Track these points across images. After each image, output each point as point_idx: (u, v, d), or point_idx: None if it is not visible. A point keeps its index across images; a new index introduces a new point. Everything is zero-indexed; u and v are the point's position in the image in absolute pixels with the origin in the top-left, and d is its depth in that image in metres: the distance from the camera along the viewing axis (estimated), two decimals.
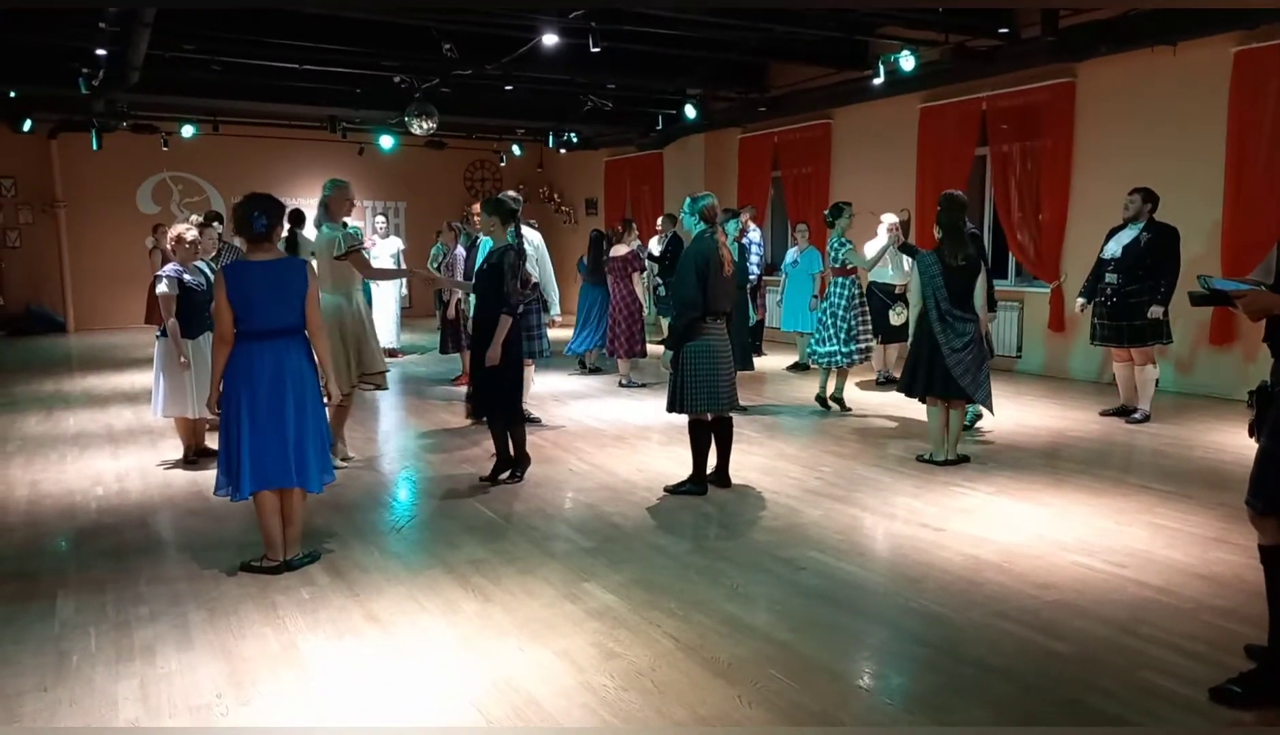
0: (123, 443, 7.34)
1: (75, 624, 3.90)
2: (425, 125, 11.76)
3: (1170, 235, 7.32)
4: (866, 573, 4.43)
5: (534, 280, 7.67)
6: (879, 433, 7.49)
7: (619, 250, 9.86)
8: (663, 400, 6.76)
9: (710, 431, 5.80)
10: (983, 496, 5.64)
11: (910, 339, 6.35)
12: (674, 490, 5.79)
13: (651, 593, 4.18)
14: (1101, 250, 7.69)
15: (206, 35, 9.64)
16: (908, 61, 9.35)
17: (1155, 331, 7.42)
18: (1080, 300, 7.90)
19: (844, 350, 8.13)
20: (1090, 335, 7.86)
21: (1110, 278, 7.47)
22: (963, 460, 6.34)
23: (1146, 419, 7.60)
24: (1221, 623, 3.80)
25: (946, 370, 6.09)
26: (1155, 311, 7.31)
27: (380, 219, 12.67)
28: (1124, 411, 7.79)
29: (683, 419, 5.86)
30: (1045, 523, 5.13)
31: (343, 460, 6.40)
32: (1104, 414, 7.92)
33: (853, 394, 9.29)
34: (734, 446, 5.99)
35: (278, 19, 9.48)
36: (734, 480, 5.97)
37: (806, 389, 9.58)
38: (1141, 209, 7.39)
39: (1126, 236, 7.46)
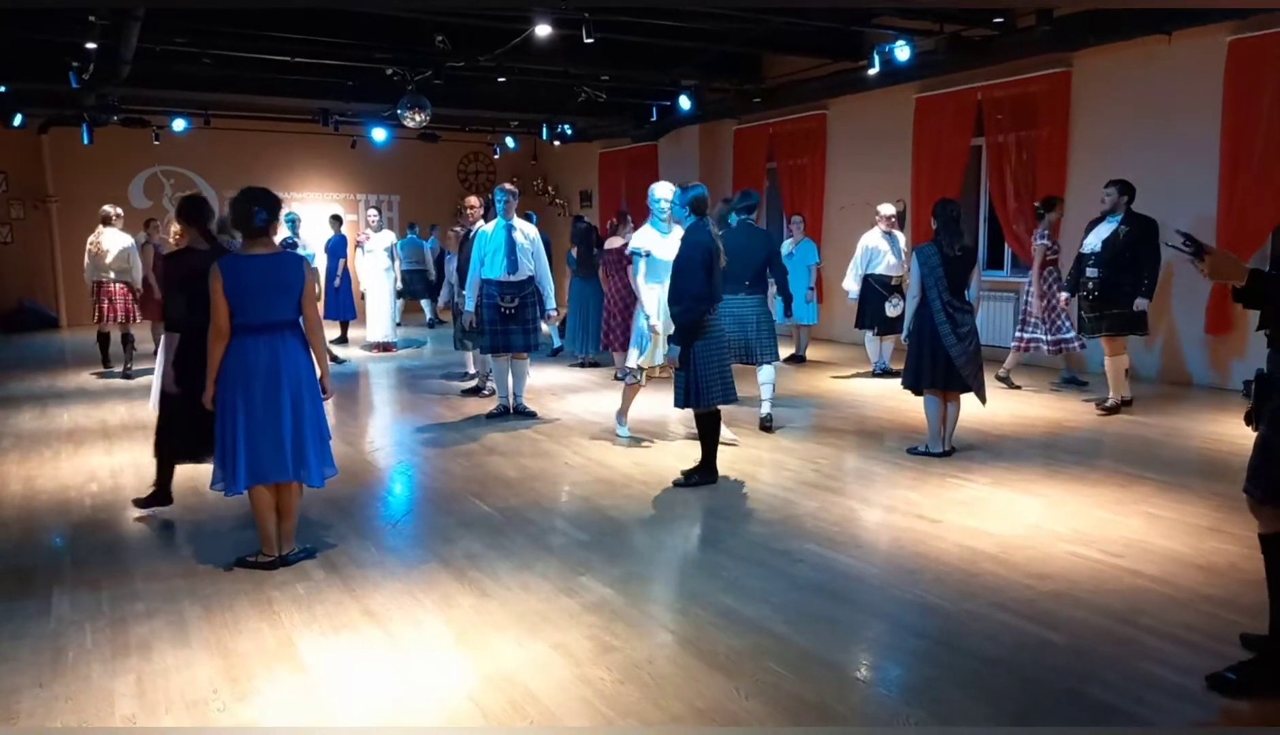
0: (117, 438, 7.31)
1: (71, 620, 3.89)
2: (418, 118, 11.70)
3: (1149, 227, 7.26)
4: (863, 565, 4.43)
5: (530, 273, 7.65)
6: (875, 425, 7.49)
7: (614, 242, 9.84)
8: (659, 394, 6.76)
9: (718, 421, 5.82)
10: (979, 488, 5.65)
11: (906, 333, 6.33)
12: (685, 483, 5.77)
13: (648, 586, 4.18)
14: (1081, 244, 7.66)
15: (197, 29, 9.59)
16: (903, 52, 9.32)
17: (1132, 323, 7.39)
18: (1063, 295, 7.94)
19: (1046, 338, 8.46)
20: (1079, 328, 7.86)
21: (1091, 272, 7.43)
22: (951, 452, 6.36)
23: (1118, 408, 7.55)
24: (1218, 612, 3.81)
25: (948, 362, 6.09)
26: (1141, 304, 7.27)
27: (373, 212, 12.63)
28: (1124, 403, 7.71)
29: (673, 413, 5.84)
30: (1042, 513, 5.13)
31: (622, 436, 6.95)
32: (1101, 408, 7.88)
33: (849, 386, 9.30)
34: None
35: (269, 11, 9.43)
36: (730, 473, 5.97)
37: (803, 381, 9.58)
38: (1118, 201, 7.34)
39: (1105, 230, 7.40)
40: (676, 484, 5.78)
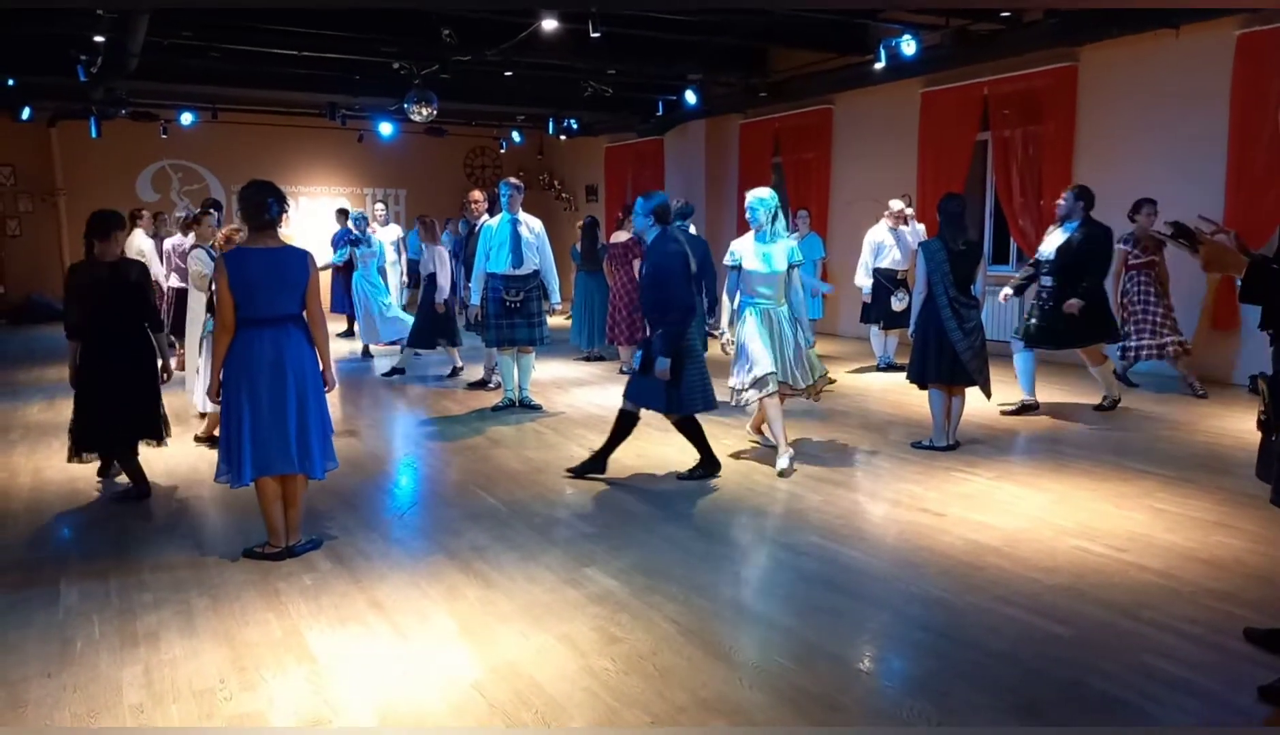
0: None
1: (79, 611, 3.91)
2: (424, 112, 11.72)
3: (1101, 234, 7.03)
4: (868, 558, 4.44)
5: (535, 267, 7.67)
6: (880, 419, 7.49)
7: (619, 236, 9.84)
8: None
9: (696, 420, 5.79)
10: (984, 481, 5.65)
11: (913, 327, 6.34)
12: (689, 477, 5.77)
13: (653, 577, 4.19)
14: (1038, 249, 7.37)
15: (205, 22, 9.61)
16: (909, 46, 9.31)
17: (1102, 330, 7.15)
18: (1006, 290, 7.50)
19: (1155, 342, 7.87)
20: (1024, 335, 7.29)
21: (1045, 281, 7.14)
22: (956, 446, 6.36)
23: (1116, 403, 7.47)
24: (1221, 606, 3.80)
25: (954, 356, 6.09)
26: (1071, 305, 6.93)
27: (380, 206, 12.66)
28: (1025, 408, 7.41)
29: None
30: (1046, 507, 5.13)
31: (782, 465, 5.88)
32: (1006, 412, 7.41)
33: (854, 380, 9.29)
34: (734, 431, 5.99)
35: (276, 5, 9.45)
36: (735, 466, 5.99)
37: None
38: (1074, 208, 7.05)
39: (1060, 237, 7.13)
40: (680, 478, 5.79)
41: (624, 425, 5.78)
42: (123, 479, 5.69)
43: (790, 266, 6.00)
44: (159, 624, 3.77)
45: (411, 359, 10.06)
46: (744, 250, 5.99)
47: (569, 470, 5.91)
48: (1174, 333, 7.82)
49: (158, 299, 10.53)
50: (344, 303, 13.30)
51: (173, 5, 8.70)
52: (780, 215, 6.03)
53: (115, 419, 5.40)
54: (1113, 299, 7.87)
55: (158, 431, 5.61)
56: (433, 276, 9.25)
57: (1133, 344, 7.92)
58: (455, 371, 9.73)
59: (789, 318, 6.04)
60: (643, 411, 5.76)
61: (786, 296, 6.04)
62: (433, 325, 9.39)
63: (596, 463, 5.86)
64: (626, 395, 5.75)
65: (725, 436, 6.78)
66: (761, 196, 5.97)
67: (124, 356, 5.37)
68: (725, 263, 6.07)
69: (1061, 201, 7.20)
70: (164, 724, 3.04)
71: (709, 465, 5.80)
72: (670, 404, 5.61)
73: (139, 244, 10.40)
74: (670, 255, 5.45)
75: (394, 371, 9.66)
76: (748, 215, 5.98)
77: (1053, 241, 7.20)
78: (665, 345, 5.42)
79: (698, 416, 5.78)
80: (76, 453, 5.48)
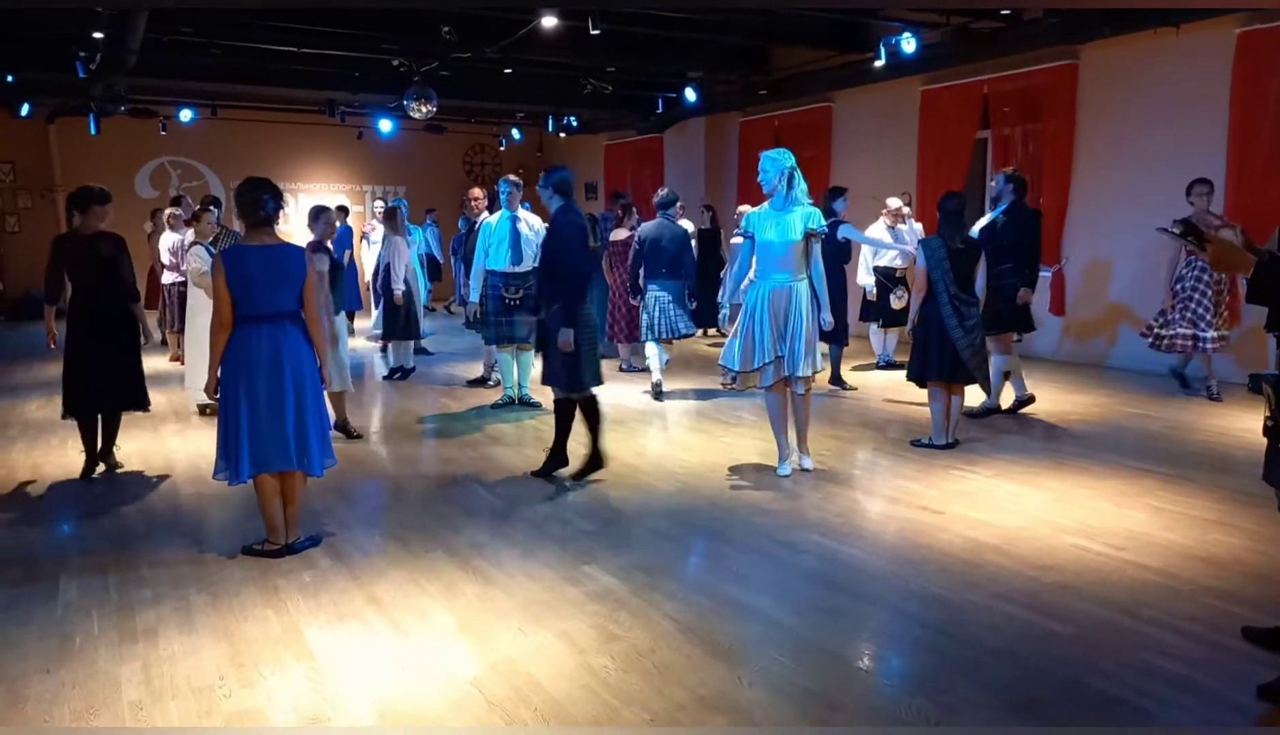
0: (123, 427, 7.30)
1: (78, 607, 3.91)
2: (424, 109, 11.72)
3: (1027, 217, 6.98)
4: (867, 556, 4.44)
5: (535, 264, 7.67)
6: (879, 416, 7.49)
7: (619, 234, 9.83)
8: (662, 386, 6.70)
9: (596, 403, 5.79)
10: (983, 479, 5.65)
11: (912, 325, 6.33)
12: (582, 475, 5.73)
13: (652, 575, 4.19)
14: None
15: (204, 19, 9.61)
16: (909, 44, 9.30)
17: (1017, 319, 7.09)
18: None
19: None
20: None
21: None
22: (955, 444, 6.36)
23: (989, 412, 7.19)
24: (1220, 604, 3.81)
25: (955, 354, 6.09)
26: (1024, 295, 6.94)
27: (379, 203, 12.65)
28: (1021, 404, 7.30)
29: (676, 404, 5.80)
30: (1045, 505, 5.13)
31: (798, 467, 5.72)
32: (1004, 411, 7.28)
33: (853, 378, 9.29)
34: (734, 429, 5.98)
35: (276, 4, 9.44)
36: (733, 464, 5.98)
37: None
38: (1003, 189, 7.05)
39: (985, 220, 7.14)
40: (575, 478, 5.71)
41: (565, 413, 5.77)
42: (120, 469, 5.74)
43: (809, 234, 5.44)
44: (158, 620, 3.77)
45: (409, 356, 10.02)
46: (757, 220, 5.52)
47: (532, 473, 5.88)
48: (1215, 329, 7.48)
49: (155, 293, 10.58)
50: (354, 301, 13.26)
51: (172, 5, 8.69)
52: (798, 178, 5.49)
53: (100, 394, 5.82)
54: (1166, 285, 7.71)
55: (140, 401, 6.01)
56: (389, 267, 9.27)
57: (1166, 333, 7.66)
58: (409, 370, 9.74)
59: (807, 295, 5.46)
60: (635, 405, 5.74)
61: (807, 270, 5.49)
62: (396, 317, 9.39)
63: (557, 459, 5.83)
64: (547, 382, 5.73)
65: (725, 434, 6.79)
66: (773, 155, 5.53)
67: (109, 337, 5.74)
68: (737, 226, 5.74)
69: (993, 183, 7.23)
70: (162, 721, 3.04)
71: (599, 457, 5.73)
72: (571, 383, 5.59)
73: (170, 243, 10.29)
74: (569, 225, 5.50)
75: (394, 372, 9.60)
76: (760, 178, 5.51)
77: (978, 225, 7.21)
78: (565, 314, 5.44)
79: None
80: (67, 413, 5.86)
